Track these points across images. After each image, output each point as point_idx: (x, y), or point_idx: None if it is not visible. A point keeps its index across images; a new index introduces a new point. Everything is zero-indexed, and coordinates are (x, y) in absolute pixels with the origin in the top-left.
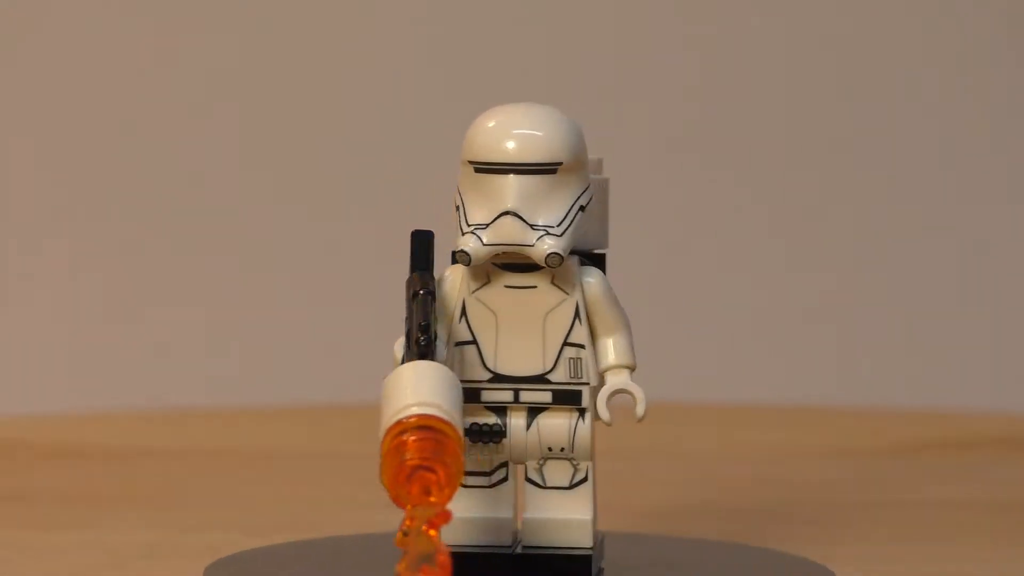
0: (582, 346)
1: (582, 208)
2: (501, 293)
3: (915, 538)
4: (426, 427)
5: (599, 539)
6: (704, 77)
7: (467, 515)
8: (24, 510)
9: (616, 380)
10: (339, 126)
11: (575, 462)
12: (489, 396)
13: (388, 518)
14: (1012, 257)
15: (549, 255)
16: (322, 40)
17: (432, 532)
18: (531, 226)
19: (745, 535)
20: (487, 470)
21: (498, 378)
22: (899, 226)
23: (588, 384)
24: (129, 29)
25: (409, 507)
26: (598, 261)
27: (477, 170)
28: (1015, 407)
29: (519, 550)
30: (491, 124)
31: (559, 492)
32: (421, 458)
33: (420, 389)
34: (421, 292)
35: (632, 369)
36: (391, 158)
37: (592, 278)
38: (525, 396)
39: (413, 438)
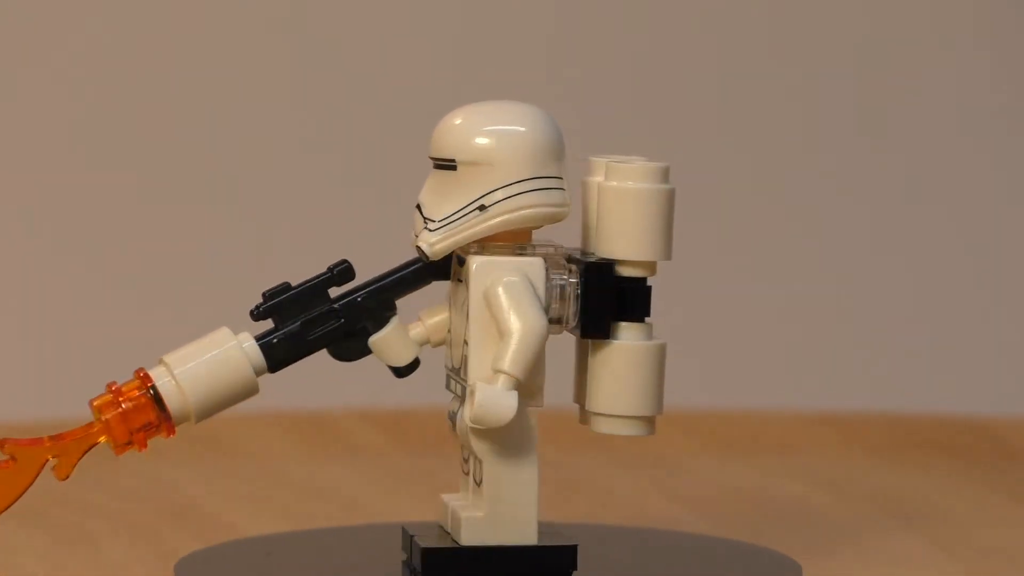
0: (467, 343)
1: (481, 208)
2: (456, 286)
3: (890, 538)
4: (150, 402)
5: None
6: (715, 83)
7: (443, 497)
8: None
9: (480, 383)
10: (335, 121)
11: (480, 461)
12: (451, 386)
13: (352, 514)
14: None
15: (417, 247)
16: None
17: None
18: (424, 220)
19: (724, 530)
20: (466, 457)
21: (453, 368)
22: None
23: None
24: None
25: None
26: (605, 270)
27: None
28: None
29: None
30: (446, 118)
31: (475, 488)
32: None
33: (196, 366)
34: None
35: (508, 375)
36: (377, 155)
37: (510, 276)
38: (455, 389)
39: (142, 399)
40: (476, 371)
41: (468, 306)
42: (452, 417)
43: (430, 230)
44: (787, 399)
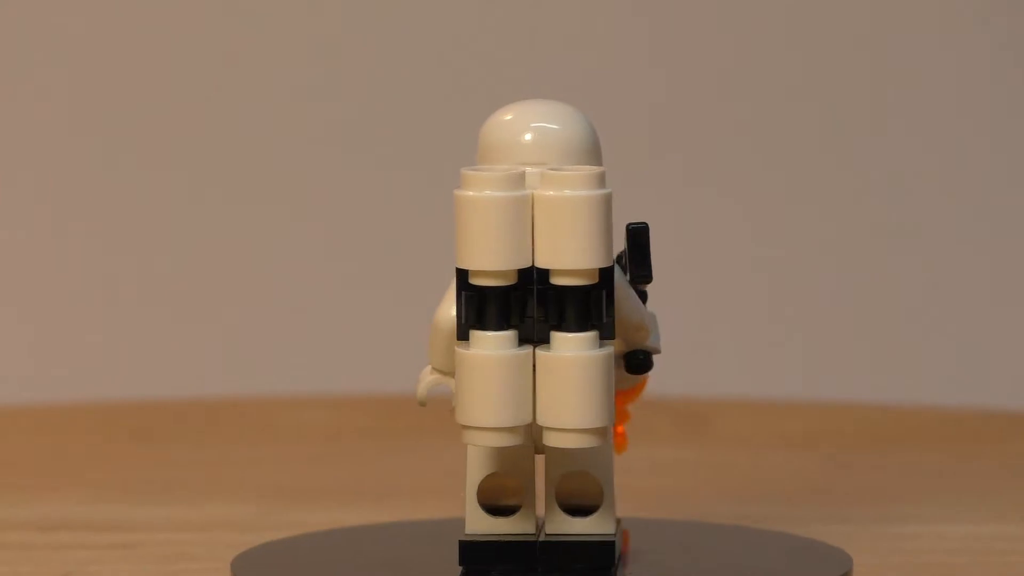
0: None
1: None
2: None
3: (931, 521)
4: None
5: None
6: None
7: None
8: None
9: None
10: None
11: None
12: None
13: (401, 511)
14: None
15: None
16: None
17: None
18: None
19: (763, 520)
20: None
21: None
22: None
23: None
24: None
25: None
26: (457, 273)
27: None
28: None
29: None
30: None
31: None
32: None
33: None
34: None
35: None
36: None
37: None
38: None
39: None
40: None
41: None
42: None
43: None
44: (811, 391)
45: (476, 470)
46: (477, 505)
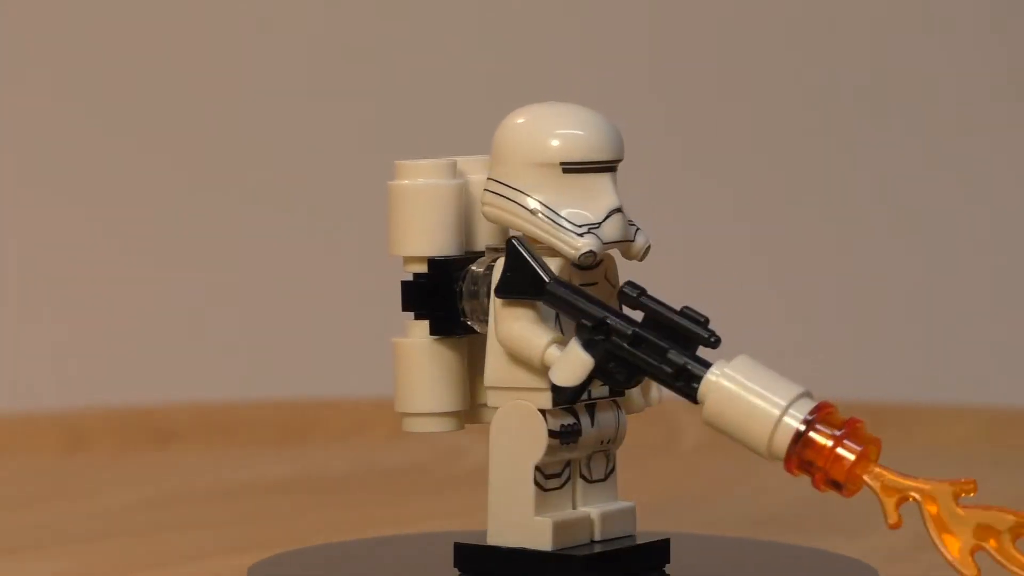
0: None
1: None
2: (592, 286)
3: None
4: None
5: None
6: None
7: (557, 518)
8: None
9: None
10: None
11: (610, 453)
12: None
13: (427, 523)
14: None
15: (647, 249)
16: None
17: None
18: (629, 222)
19: (786, 535)
20: (559, 471)
21: None
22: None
23: None
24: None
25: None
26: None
27: (567, 171)
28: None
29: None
30: (569, 123)
31: (600, 484)
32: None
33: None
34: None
35: None
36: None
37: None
38: (593, 391)
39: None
40: None
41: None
42: (571, 428)
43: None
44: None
45: None
46: None
